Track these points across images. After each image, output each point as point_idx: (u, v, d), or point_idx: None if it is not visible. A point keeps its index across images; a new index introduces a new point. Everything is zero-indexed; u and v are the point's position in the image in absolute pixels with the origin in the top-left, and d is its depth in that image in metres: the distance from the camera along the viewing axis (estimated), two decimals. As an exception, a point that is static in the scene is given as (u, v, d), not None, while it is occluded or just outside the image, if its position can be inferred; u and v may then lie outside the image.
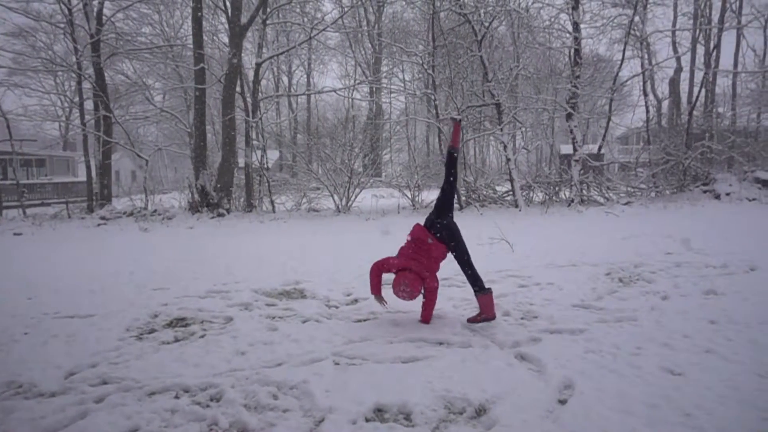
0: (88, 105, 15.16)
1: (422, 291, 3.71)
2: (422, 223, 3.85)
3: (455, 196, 3.69)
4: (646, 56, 15.46)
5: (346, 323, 3.92)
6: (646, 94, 15.26)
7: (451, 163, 3.93)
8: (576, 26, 13.01)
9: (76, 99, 15.74)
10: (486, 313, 3.70)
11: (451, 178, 3.89)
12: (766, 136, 18.64)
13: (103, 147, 13.99)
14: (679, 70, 18.50)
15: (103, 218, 12.51)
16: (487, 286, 3.76)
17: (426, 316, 3.81)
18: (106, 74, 14.58)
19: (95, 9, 13.66)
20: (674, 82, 18.57)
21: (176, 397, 2.72)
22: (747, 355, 2.99)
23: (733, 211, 10.46)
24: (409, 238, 3.82)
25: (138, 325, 3.96)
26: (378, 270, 3.79)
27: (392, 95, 29.52)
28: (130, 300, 4.67)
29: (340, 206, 13.40)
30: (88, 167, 14.99)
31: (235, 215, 12.76)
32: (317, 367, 3.04)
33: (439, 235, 3.73)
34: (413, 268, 3.63)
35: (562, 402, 2.53)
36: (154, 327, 3.93)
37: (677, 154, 12.98)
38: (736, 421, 2.26)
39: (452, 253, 3.78)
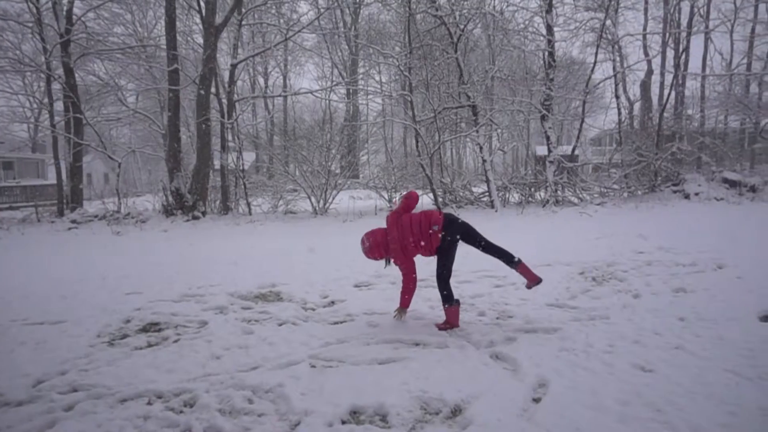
0: (58, 106, 14.79)
1: (387, 260, 3.88)
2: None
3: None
4: (617, 59, 15.72)
5: (323, 325, 3.90)
6: (618, 97, 15.50)
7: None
8: (549, 29, 13.18)
9: (46, 100, 15.36)
10: (451, 322, 3.72)
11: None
12: (734, 137, 19.18)
13: (74, 149, 13.68)
14: (650, 72, 18.89)
15: (74, 222, 12.22)
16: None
17: (403, 302, 3.88)
18: (76, 75, 14.25)
19: (65, 8, 13.36)
20: (645, 85, 18.94)
21: (149, 403, 2.67)
22: (715, 351, 3.06)
23: (702, 210, 10.71)
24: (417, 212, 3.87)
25: (110, 331, 3.88)
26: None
27: (369, 97, 29.52)
28: (102, 305, 4.58)
29: (317, 208, 13.34)
30: (59, 170, 14.63)
31: (210, 218, 12.60)
32: (293, 370, 3.02)
33: (448, 235, 3.71)
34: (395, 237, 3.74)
35: (537, 400, 2.56)
36: (127, 332, 3.85)
37: (648, 155, 13.23)
38: (705, 416, 2.32)
39: (438, 259, 3.78)
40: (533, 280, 3.78)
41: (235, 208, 13.91)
